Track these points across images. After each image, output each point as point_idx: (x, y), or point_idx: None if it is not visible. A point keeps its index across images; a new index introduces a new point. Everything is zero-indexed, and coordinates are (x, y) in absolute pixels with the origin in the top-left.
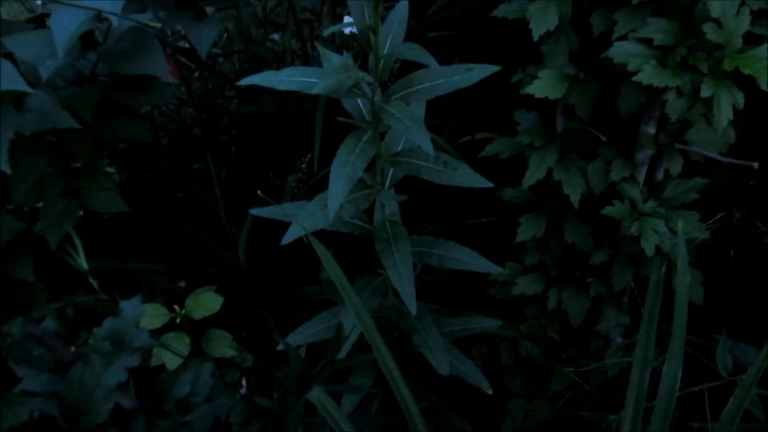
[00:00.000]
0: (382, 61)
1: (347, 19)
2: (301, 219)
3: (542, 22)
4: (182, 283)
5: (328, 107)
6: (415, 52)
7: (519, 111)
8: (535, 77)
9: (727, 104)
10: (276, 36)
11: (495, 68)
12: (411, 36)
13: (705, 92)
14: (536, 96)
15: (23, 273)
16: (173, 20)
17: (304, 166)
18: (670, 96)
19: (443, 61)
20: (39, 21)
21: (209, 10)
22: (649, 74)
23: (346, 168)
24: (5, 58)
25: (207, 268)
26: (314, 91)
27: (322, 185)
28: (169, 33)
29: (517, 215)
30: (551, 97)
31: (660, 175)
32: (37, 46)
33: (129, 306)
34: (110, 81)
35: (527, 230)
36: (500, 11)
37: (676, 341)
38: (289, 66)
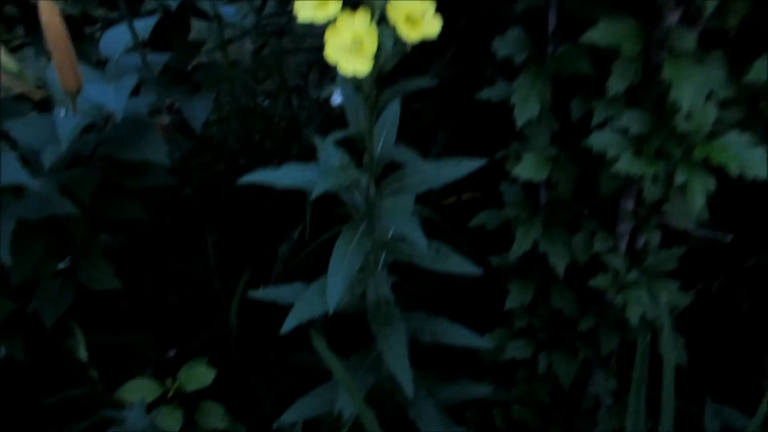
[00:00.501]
0: (376, 161)
1: (335, 97)
2: (299, 308)
3: (525, 111)
4: (173, 352)
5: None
6: (406, 155)
7: (504, 183)
8: (518, 155)
9: (699, 190)
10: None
11: (482, 162)
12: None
13: (678, 180)
14: (520, 178)
15: (14, 353)
16: (167, 94)
17: (296, 236)
18: (647, 182)
19: (428, 129)
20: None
21: None
22: (626, 163)
23: (343, 262)
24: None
25: (198, 334)
26: (315, 193)
27: (315, 256)
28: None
29: (504, 277)
30: (534, 180)
31: (641, 243)
32: (39, 131)
33: (133, 415)
34: (109, 163)
35: (515, 298)
36: (484, 94)
37: (665, 414)
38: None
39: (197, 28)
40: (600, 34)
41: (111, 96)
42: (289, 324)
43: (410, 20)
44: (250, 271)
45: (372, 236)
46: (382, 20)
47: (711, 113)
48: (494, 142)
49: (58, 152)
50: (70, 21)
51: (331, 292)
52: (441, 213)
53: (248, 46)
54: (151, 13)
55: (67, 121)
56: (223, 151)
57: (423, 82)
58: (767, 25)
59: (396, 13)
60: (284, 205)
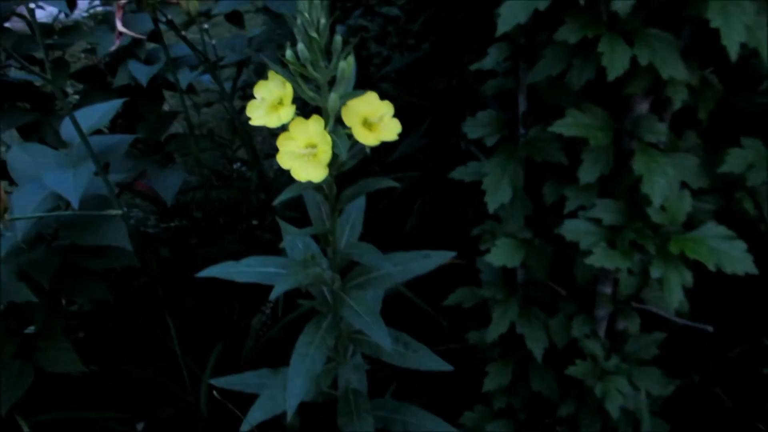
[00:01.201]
0: (340, 256)
1: None
2: (263, 403)
3: (497, 196)
4: (141, 426)
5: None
6: (370, 255)
7: (480, 260)
8: (493, 234)
9: (676, 284)
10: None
11: (451, 254)
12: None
13: (654, 273)
14: (494, 264)
15: None
16: (140, 166)
17: (268, 311)
18: (622, 275)
19: (404, 197)
20: None
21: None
22: (600, 256)
23: (305, 362)
24: None
25: (165, 408)
26: (275, 293)
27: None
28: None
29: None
30: (509, 266)
31: (621, 325)
32: None
33: None
34: (70, 245)
35: (493, 380)
36: (457, 173)
37: None
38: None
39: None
40: (568, 125)
41: (69, 184)
42: (253, 418)
43: (367, 124)
44: (223, 343)
45: (337, 330)
46: (338, 124)
47: (685, 204)
48: (472, 213)
49: (14, 241)
50: (40, 95)
51: (290, 395)
52: (421, 279)
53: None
54: (123, 88)
55: (24, 208)
56: (195, 220)
57: (385, 182)
58: (741, 111)
59: (352, 118)
60: None
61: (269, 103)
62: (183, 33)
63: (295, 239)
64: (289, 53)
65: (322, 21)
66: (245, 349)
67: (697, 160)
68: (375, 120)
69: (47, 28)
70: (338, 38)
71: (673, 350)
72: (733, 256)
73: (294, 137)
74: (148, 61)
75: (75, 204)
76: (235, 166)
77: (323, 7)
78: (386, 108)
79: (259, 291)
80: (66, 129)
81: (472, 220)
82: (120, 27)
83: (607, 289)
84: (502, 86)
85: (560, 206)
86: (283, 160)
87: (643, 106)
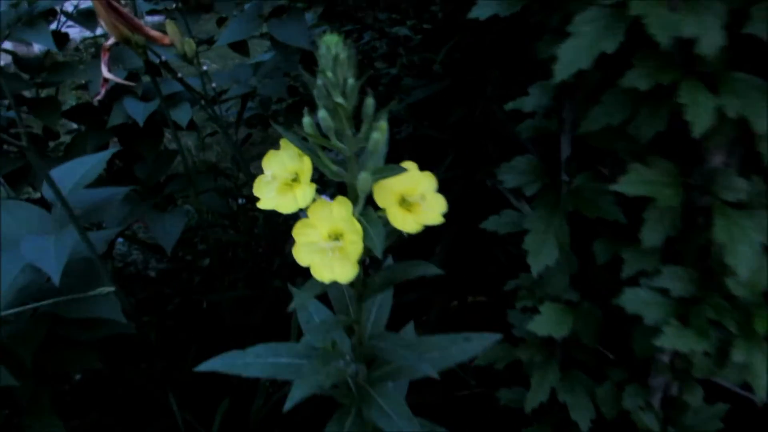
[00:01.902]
0: (366, 346)
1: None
2: None
3: (540, 257)
4: None
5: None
6: (402, 353)
7: (513, 313)
8: (531, 291)
9: (762, 369)
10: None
11: (496, 336)
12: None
13: (737, 357)
14: (538, 334)
15: None
16: (136, 213)
17: None
18: (696, 358)
19: (425, 234)
20: None
21: None
22: (671, 337)
23: None
24: None
25: None
26: (292, 400)
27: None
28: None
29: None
30: (555, 336)
31: (677, 392)
32: None
33: None
34: (56, 315)
35: None
36: (490, 224)
37: None
38: None
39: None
40: (632, 184)
41: (50, 256)
42: None
43: (405, 203)
44: (230, 400)
45: (362, 425)
46: (368, 204)
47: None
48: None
49: None
50: (32, 138)
51: None
52: (444, 320)
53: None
54: (119, 127)
55: (5, 278)
56: (198, 262)
57: (423, 268)
58: None
59: (386, 196)
60: (268, 320)
61: (282, 180)
62: (180, 75)
63: (311, 312)
64: (307, 122)
65: (350, 81)
66: (254, 408)
67: None
68: (415, 199)
69: (37, 64)
70: (370, 101)
71: (735, 423)
72: None
73: (314, 225)
74: (146, 96)
75: (56, 281)
76: (240, 201)
77: (351, 64)
78: (428, 182)
79: (270, 333)
80: (48, 187)
81: (500, 259)
82: (106, 73)
83: (666, 358)
84: (542, 128)
85: (613, 264)
86: (301, 254)
87: (718, 158)
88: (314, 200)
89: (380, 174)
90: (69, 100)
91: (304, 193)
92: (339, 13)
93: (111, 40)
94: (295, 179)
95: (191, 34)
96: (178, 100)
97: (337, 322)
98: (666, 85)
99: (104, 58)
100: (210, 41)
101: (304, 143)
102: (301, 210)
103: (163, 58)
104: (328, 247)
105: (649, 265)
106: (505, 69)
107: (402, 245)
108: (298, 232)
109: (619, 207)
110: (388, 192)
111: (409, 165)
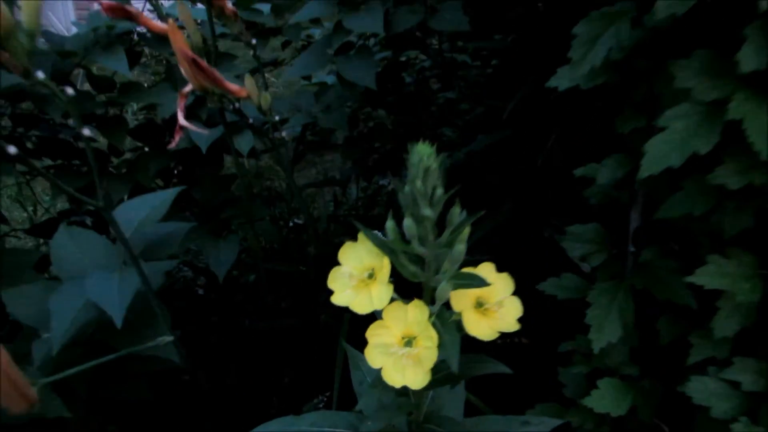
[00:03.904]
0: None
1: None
2: None
3: (603, 333)
4: None
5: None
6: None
7: (564, 372)
8: (586, 354)
9: None
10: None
11: (556, 422)
12: None
13: None
14: (596, 411)
15: None
16: (190, 239)
17: (322, 403)
18: None
19: None
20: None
21: None
22: None
23: None
24: None
25: None
26: None
27: None
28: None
29: None
30: (613, 414)
31: None
32: (35, 306)
33: None
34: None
35: None
36: (549, 287)
37: None
38: None
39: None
40: (710, 276)
41: (114, 296)
42: None
43: (481, 308)
44: None
45: None
46: (443, 306)
47: None
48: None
49: (48, 355)
50: (96, 154)
51: None
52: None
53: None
54: (180, 150)
55: (62, 316)
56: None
57: (493, 367)
58: None
59: (462, 300)
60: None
61: (358, 278)
62: (250, 120)
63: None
64: (390, 226)
65: (438, 192)
66: None
67: None
68: (492, 305)
69: (108, 83)
70: (456, 211)
71: None
72: None
73: (388, 326)
74: (210, 121)
75: (118, 323)
76: (292, 222)
77: (440, 173)
78: (505, 286)
79: (316, 365)
80: (119, 217)
81: (546, 305)
82: (181, 120)
83: None
84: (612, 196)
85: (677, 343)
86: (373, 355)
87: None
88: (391, 301)
89: (459, 282)
90: (131, 114)
91: (380, 294)
92: (402, 39)
93: (188, 87)
94: (371, 275)
95: (259, 60)
96: (241, 127)
97: (401, 408)
98: (758, 185)
99: (180, 104)
100: (275, 63)
101: (383, 242)
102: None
103: (237, 104)
104: (401, 352)
105: (719, 354)
106: (567, 126)
107: None
108: (372, 333)
109: (691, 292)
110: (464, 295)
111: (487, 268)
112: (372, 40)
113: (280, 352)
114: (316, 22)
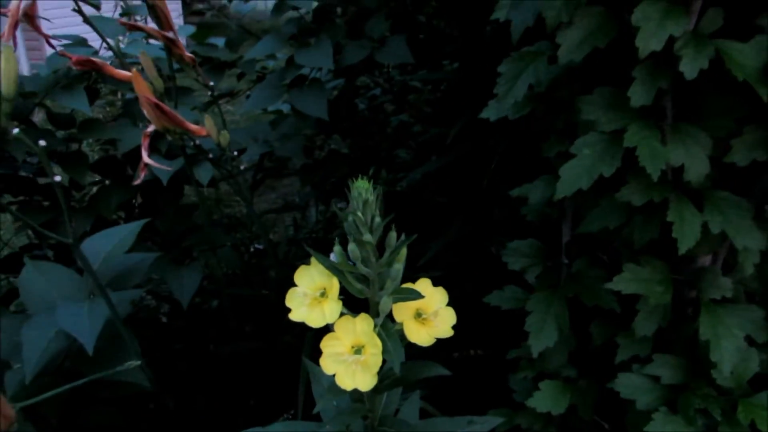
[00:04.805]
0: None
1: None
2: None
3: (540, 339)
4: None
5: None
6: None
7: (513, 377)
8: (531, 362)
9: None
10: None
11: (498, 420)
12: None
13: None
14: (538, 410)
15: None
16: (154, 268)
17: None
18: None
19: None
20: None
21: None
22: (660, 423)
23: None
24: None
25: None
26: None
27: None
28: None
29: None
30: (554, 413)
31: None
32: (6, 338)
33: None
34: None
35: None
36: (493, 299)
37: None
38: None
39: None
40: (626, 282)
41: (84, 325)
42: None
43: (420, 318)
44: None
45: None
46: (387, 317)
47: (752, 365)
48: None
49: (21, 384)
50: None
51: None
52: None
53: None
54: (142, 186)
55: (32, 346)
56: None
57: (436, 370)
58: None
59: (403, 312)
60: (276, 373)
61: (312, 296)
62: (209, 155)
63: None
64: (337, 250)
65: (377, 220)
66: None
67: (763, 312)
68: (429, 315)
69: (68, 120)
70: (393, 235)
71: None
72: None
73: (340, 337)
74: (170, 152)
75: (89, 350)
76: (253, 248)
77: (378, 205)
78: (441, 298)
79: (280, 386)
80: (86, 250)
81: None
82: (145, 158)
83: None
84: (545, 213)
85: (609, 345)
86: (327, 363)
87: (705, 259)
88: (341, 315)
89: (400, 296)
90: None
91: (331, 309)
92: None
93: (151, 128)
94: (323, 294)
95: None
96: (200, 159)
97: (355, 412)
98: (657, 202)
99: (144, 143)
100: (232, 93)
101: (332, 264)
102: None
103: (197, 141)
104: (351, 360)
105: (641, 352)
106: (507, 150)
107: None
108: (326, 343)
109: (615, 298)
110: (404, 308)
111: (424, 282)
112: (324, 70)
113: (245, 375)
114: (270, 55)
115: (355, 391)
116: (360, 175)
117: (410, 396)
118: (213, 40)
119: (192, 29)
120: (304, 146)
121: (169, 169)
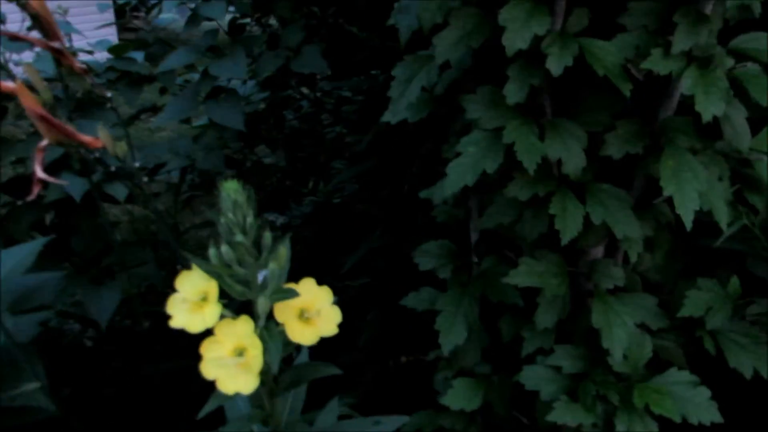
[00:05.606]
0: None
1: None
2: None
3: (450, 336)
4: None
5: None
6: None
7: (437, 378)
8: (449, 363)
9: None
10: None
11: (403, 419)
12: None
13: (620, 427)
14: (452, 408)
15: None
16: (70, 289)
17: None
18: (586, 430)
19: (356, 303)
20: None
21: None
22: (561, 411)
23: None
24: None
25: None
26: None
27: None
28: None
29: None
30: (467, 410)
31: None
32: None
33: None
34: None
35: None
36: (410, 301)
37: None
38: None
39: None
40: (522, 275)
41: None
42: None
43: (304, 317)
44: None
45: None
46: (270, 319)
47: (646, 351)
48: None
49: None
50: None
51: None
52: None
53: None
54: (56, 205)
55: None
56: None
57: (329, 370)
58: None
59: (285, 312)
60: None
61: (192, 301)
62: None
63: (236, 404)
64: (212, 252)
65: (249, 220)
66: None
67: (655, 300)
68: (312, 314)
69: None
70: (268, 235)
71: None
72: (698, 405)
73: (221, 341)
74: (84, 170)
75: None
76: (179, 265)
77: (249, 204)
78: (325, 296)
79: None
80: None
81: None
82: (39, 173)
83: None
84: (453, 214)
85: (519, 340)
86: (208, 368)
87: (597, 250)
88: (222, 317)
89: (277, 296)
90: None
91: (211, 312)
92: (274, 80)
93: (45, 142)
94: (205, 299)
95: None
96: (116, 174)
97: (254, 417)
98: (542, 196)
99: (38, 158)
100: (154, 108)
101: (211, 268)
102: (208, 328)
103: (97, 155)
104: (232, 363)
105: (545, 344)
106: (424, 154)
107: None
108: (207, 347)
109: (518, 293)
110: (287, 307)
111: (308, 282)
112: (250, 83)
113: (175, 393)
114: (190, 67)
115: (257, 396)
116: (296, 188)
117: (328, 405)
118: (133, 54)
119: (110, 43)
120: (230, 158)
121: (65, 183)
